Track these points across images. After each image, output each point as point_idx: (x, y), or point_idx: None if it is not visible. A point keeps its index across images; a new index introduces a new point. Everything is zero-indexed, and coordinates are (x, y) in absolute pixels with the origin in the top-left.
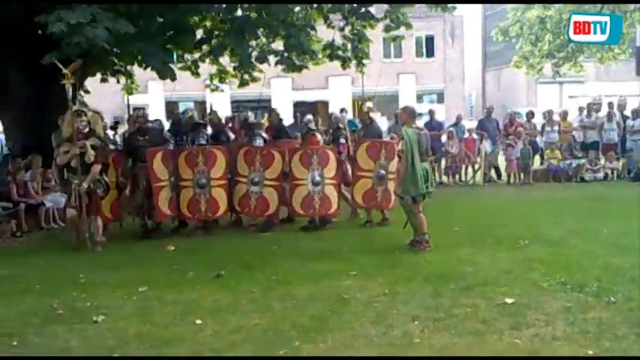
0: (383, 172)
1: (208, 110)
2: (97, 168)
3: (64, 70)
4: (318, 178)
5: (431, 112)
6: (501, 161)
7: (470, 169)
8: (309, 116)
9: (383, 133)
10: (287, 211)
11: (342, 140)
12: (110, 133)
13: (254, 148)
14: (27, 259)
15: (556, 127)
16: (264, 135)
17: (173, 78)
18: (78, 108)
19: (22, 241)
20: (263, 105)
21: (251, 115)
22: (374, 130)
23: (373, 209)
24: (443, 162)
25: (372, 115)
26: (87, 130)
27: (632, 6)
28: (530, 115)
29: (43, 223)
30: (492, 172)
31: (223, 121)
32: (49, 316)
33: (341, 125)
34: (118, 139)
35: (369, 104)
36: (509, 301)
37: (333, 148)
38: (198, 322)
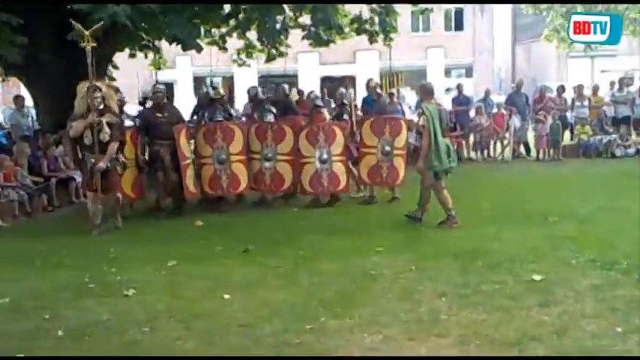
0: (388, 147)
1: (202, 86)
2: (114, 146)
3: (85, 33)
4: (325, 156)
5: (459, 87)
6: (531, 137)
7: (499, 145)
8: (316, 92)
9: (391, 108)
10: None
11: (346, 117)
12: (140, 108)
13: (265, 123)
14: (58, 233)
15: (586, 102)
16: (274, 110)
17: (198, 49)
18: (93, 83)
19: (53, 216)
20: (291, 80)
21: (260, 91)
22: (378, 106)
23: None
24: (471, 138)
25: (378, 90)
26: (101, 106)
27: None
28: (561, 89)
29: (73, 198)
30: (521, 148)
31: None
32: (81, 290)
33: (345, 101)
34: None
35: (375, 79)
36: (537, 278)
37: (339, 124)
38: (227, 296)
